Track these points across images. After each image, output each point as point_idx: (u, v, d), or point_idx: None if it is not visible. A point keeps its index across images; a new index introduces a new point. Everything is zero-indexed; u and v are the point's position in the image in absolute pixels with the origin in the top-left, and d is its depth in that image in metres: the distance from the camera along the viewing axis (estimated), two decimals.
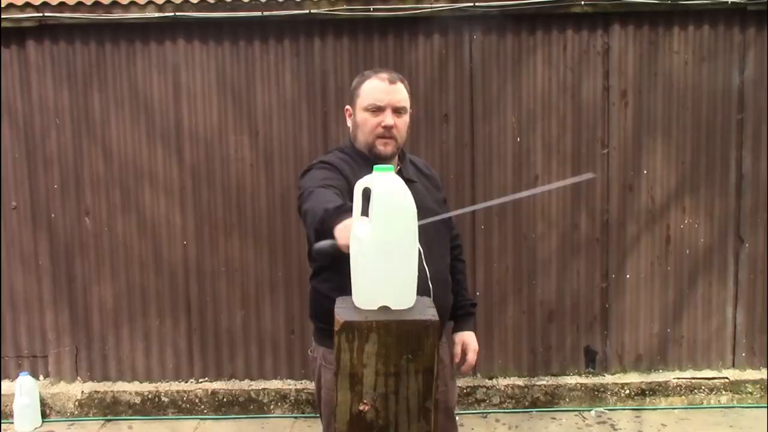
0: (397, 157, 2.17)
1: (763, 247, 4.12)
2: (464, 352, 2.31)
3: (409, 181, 2.02)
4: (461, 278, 2.36)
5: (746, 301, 4.16)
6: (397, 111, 2.09)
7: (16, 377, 4.07)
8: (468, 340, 2.30)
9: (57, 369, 4.19)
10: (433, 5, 3.90)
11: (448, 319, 2.28)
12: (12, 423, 3.99)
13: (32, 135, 4.05)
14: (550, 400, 4.10)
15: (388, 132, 2.07)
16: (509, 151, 4.06)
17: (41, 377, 4.22)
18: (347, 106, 2.20)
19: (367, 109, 2.09)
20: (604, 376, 4.16)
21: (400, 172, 2.13)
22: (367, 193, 1.52)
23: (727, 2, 3.91)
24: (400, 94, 2.10)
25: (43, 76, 4.01)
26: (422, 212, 2.04)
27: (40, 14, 3.90)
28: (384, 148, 2.09)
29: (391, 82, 2.09)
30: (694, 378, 4.13)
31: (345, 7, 3.90)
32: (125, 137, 4.06)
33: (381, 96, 2.08)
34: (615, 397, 4.11)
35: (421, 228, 1.88)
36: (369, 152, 2.11)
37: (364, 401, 1.35)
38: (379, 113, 2.08)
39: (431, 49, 4.00)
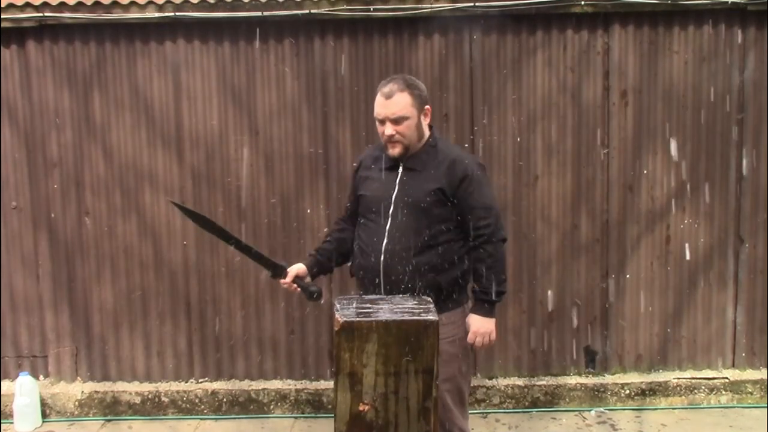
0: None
1: (763, 247, 4.11)
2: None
3: (408, 170, 2.55)
4: (478, 266, 2.56)
5: (746, 301, 4.15)
6: (395, 121, 2.46)
7: (16, 377, 4.07)
8: (469, 321, 2.57)
9: (57, 369, 4.19)
10: (433, 5, 3.90)
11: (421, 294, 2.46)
12: (12, 423, 3.99)
13: (32, 135, 4.05)
14: (550, 400, 4.10)
15: (390, 139, 2.49)
16: (509, 151, 4.06)
17: (41, 377, 4.22)
18: None
19: (375, 120, 2.54)
20: (604, 376, 4.16)
21: (398, 160, 2.54)
22: None
23: (727, 2, 3.91)
24: (395, 106, 2.46)
25: (43, 77, 4.00)
26: (402, 199, 2.54)
27: (40, 14, 3.89)
28: (392, 151, 2.53)
29: (388, 96, 2.46)
30: (694, 378, 4.13)
31: (345, 7, 3.90)
32: (125, 137, 4.05)
33: (379, 110, 2.50)
34: (615, 397, 4.10)
35: (391, 212, 2.51)
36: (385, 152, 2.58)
37: (364, 401, 1.35)
38: (382, 125, 2.51)
39: (431, 50, 4.00)
